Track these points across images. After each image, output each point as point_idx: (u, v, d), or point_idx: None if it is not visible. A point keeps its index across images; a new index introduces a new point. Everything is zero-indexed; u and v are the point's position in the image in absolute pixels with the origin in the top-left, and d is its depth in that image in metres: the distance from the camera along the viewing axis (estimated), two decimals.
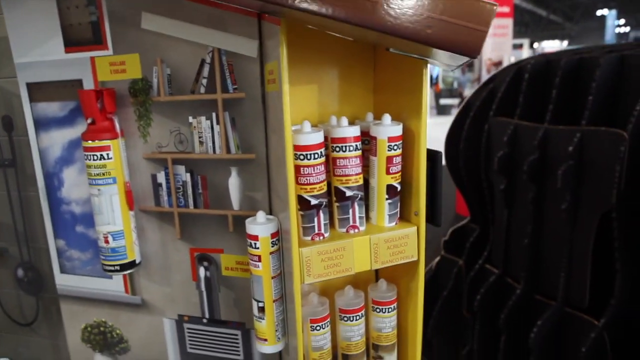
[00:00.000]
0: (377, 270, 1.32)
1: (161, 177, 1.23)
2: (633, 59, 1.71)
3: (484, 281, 2.30)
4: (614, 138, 1.61)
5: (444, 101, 14.11)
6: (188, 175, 1.21)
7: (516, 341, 2.13)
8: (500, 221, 2.28)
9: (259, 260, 1.08)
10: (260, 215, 1.08)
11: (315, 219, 1.06)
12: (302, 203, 1.04)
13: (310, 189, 1.03)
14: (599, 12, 27.62)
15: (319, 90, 1.24)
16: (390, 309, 1.20)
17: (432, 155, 1.11)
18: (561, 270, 1.94)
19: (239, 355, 1.30)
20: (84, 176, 1.30)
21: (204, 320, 1.31)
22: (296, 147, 1.01)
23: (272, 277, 1.10)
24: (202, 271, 1.26)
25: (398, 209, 1.13)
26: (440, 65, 1.09)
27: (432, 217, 1.14)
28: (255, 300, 1.12)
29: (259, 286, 1.10)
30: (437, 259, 2.69)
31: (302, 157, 1.01)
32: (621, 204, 1.65)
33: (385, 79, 1.22)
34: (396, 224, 1.14)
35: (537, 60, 2.18)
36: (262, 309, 1.11)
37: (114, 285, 1.37)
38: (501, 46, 9.85)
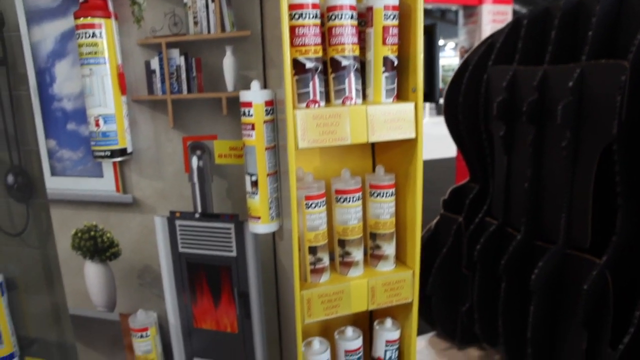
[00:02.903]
0: (374, 163, 1.30)
1: (155, 64, 1.21)
2: None
3: (484, 232, 2.27)
4: (614, 69, 1.60)
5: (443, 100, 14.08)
6: (182, 58, 1.19)
7: (516, 288, 2.09)
8: (500, 170, 2.26)
9: (253, 129, 1.05)
10: (255, 84, 1.06)
11: (311, 84, 1.03)
12: (297, 67, 1.02)
13: (305, 50, 1.01)
14: None
15: None
16: (388, 194, 1.17)
17: (428, 29, 1.09)
18: (562, 211, 1.91)
19: (231, 251, 1.27)
20: (76, 69, 1.28)
21: (196, 216, 1.27)
22: (291, 6, 0.99)
23: (266, 149, 1.07)
24: (194, 161, 1.23)
25: (395, 85, 1.11)
26: None
27: (430, 93, 1.12)
28: (249, 174, 1.09)
29: (252, 158, 1.07)
30: (437, 218, 2.65)
31: (297, 16, 1.00)
32: (622, 136, 1.63)
33: None
34: (393, 101, 1.11)
35: (536, 8, 2.18)
36: (255, 184, 1.08)
37: (105, 185, 1.34)
38: None
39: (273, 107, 1.07)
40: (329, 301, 1.14)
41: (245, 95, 1.05)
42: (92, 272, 1.43)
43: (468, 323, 2.41)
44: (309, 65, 1.02)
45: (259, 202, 1.09)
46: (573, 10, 1.95)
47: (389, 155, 1.24)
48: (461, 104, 2.43)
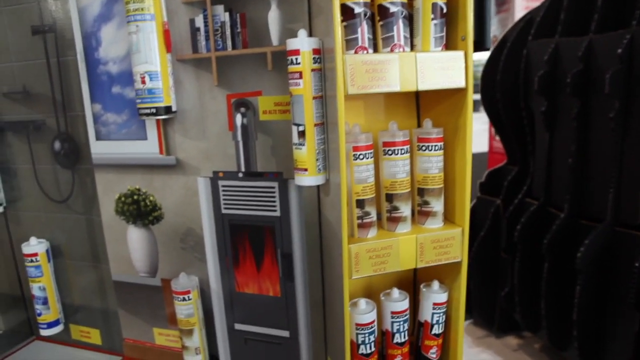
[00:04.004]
0: (419, 120, 1.27)
1: (199, 21, 1.21)
2: None
3: (524, 213, 2.20)
4: None
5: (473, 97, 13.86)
6: (227, 14, 1.18)
7: (560, 269, 2.01)
8: (541, 148, 2.19)
9: (300, 77, 1.04)
10: (302, 32, 1.05)
11: (359, 30, 1.01)
12: (346, 12, 1.00)
13: None
14: None
15: None
16: (437, 147, 1.13)
17: None
18: (610, 186, 1.83)
19: (275, 210, 1.25)
20: (121, 32, 1.29)
21: (240, 175, 1.26)
22: None
23: (314, 98, 1.06)
24: (238, 118, 1.23)
25: (444, 34, 1.08)
26: None
27: (480, 41, 1.08)
28: (296, 124, 1.07)
29: (299, 107, 1.05)
30: (473, 201, 2.59)
31: None
32: None
33: None
34: (442, 49, 1.08)
35: None
36: (302, 134, 1.07)
37: (149, 147, 1.34)
38: None
39: (320, 56, 1.06)
40: (377, 256, 1.11)
41: (292, 43, 1.04)
42: (135, 237, 1.44)
43: (507, 309, 2.33)
44: (357, 10, 1.00)
45: (306, 153, 1.07)
46: None
47: (436, 110, 1.21)
48: (499, 82, 2.36)
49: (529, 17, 2.34)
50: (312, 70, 1.04)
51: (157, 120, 1.30)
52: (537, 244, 2.12)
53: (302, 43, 1.03)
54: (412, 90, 1.05)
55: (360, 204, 1.10)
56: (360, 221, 1.11)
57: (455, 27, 1.09)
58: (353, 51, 1.02)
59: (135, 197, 1.39)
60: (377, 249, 1.10)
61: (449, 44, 1.11)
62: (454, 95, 1.13)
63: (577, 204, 1.97)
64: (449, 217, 1.22)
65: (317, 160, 1.09)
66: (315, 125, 1.07)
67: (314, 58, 1.04)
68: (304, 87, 1.04)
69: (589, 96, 1.88)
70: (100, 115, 1.38)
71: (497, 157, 3.15)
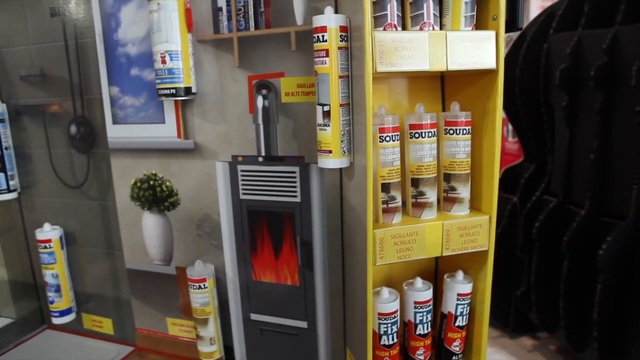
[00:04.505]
0: (444, 105, 1.23)
1: (221, 1, 1.19)
2: None
3: (542, 211, 2.15)
4: None
5: None
6: None
7: (579, 267, 1.96)
8: (561, 144, 2.14)
9: (327, 55, 1.01)
10: (329, 9, 1.01)
11: (388, 6, 0.98)
12: None
13: None
14: None
15: None
16: (465, 131, 1.09)
17: None
18: (633, 183, 1.78)
19: (295, 196, 1.22)
20: (141, 12, 1.27)
21: (260, 159, 1.23)
22: None
23: (340, 77, 1.02)
24: (260, 100, 1.20)
25: (474, 13, 1.05)
26: None
27: (512, 21, 1.05)
28: (321, 104, 1.04)
29: (325, 86, 1.02)
30: None
31: None
32: None
33: None
34: (472, 29, 1.05)
35: None
36: (327, 114, 1.03)
37: (167, 131, 1.32)
38: None
39: (347, 34, 1.03)
40: (402, 243, 1.07)
41: (319, 20, 1.00)
42: (150, 224, 1.41)
43: (522, 309, 2.28)
44: None
45: (330, 134, 1.04)
46: None
47: (463, 94, 1.17)
48: (518, 77, 2.32)
49: (550, 11, 2.29)
50: (339, 48, 1.01)
51: (176, 103, 1.28)
52: (556, 242, 2.07)
53: (329, 20, 1.00)
54: (442, 70, 1.01)
55: (386, 187, 1.07)
56: (385, 206, 1.07)
57: (487, 5, 1.05)
58: (382, 28, 0.99)
59: (152, 182, 1.36)
60: (403, 235, 1.07)
61: (479, 24, 1.07)
62: (482, 78, 1.10)
63: (599, 201, 1.92)
64: (474, 205, 1.18)
65: (341, 142, 1.05)
66: (341, 105, 1.04)
67: (340, 36, 1.01)
68: (330, 65, 1.01)
69: (612, 90, 1.84)
70: (118, 98, 1.36)
71: (508, 159, 3.10)
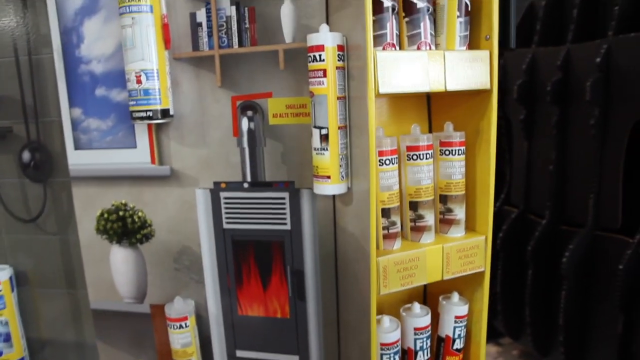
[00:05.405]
0: (430, 125, 1.21)
1: (201, 16, 1.10)
2: None
3: (504, 221, 2.22)
4: None
5: None
6: (233, 8, 1.08)
7: (543, 275, 2.03)
8: (519, 156, 2.22)
9: (324, 75, 0.96)
10: (324, 27, 0.97)
11: (388, 25, 0.95)
12: (374, 5, 0.93)
13: None
14: None
15: None
16: (460, 152, 1.08)
17: None
18: (590, 192, 1.87)
19: (285, 224, 1.15)
20: (109, 27, 1.16)
21: (245, 185, 1.15)
22: None
23: (338, 98, 0.98)
24: (244, 123, 1.12)
25: (468, 32, 1.04)
26: None
27: (504, 40, 1.05)
28: (317, 127, 0.98)
29: (322, 109, 0.97)
30: None
31: None
32: None
33: None
34: (466, 48, 1.04)
35: None
36: (325, 138, 0.98)
37: (139, 156, 1.20)
38: None
39: (344, 53, 0.98)
40: (405, 269, 1.03)
41: (315, 39, 0.95)
42: (120, 258, 1.28)
43: (487, 317, 2.32)
44: (387, 3, 0.94)
45: (329, 158, 0.98)
46: None
47: (453, 113, 1.16)
48: None
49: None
50: (337, 68, 0.97)
51: (149, 126, 1.17)
52: (519, 251, 2.13)
53: (326, 38, 0.95)
54: (441, 91, 0.99)
55: (386, 213, 1.03)
56: (386, 232, 1.03)
57: (479, 25, 1.05)
58: (381, 47, 0.96)
59: (121, 213, 1.24)
60: (405, 261, 1.03)
61: (472, 43, 1.06)
62: (474, 98, 1.09)
63: (558, 210, 2.01)
64: (469, 225, 1.16)
65: (340, 166, 1.00)
66: (339, 128, 0.99)
67: (338, 55, 0.96)
68: (328, 86, 0.96)
69: (567, 104, 1.93)
70: (81, 121, 1.22)
71: None
